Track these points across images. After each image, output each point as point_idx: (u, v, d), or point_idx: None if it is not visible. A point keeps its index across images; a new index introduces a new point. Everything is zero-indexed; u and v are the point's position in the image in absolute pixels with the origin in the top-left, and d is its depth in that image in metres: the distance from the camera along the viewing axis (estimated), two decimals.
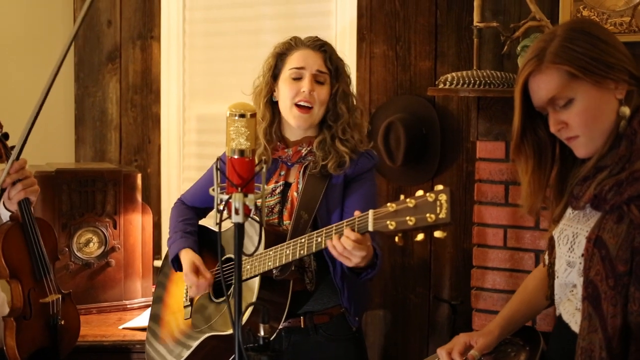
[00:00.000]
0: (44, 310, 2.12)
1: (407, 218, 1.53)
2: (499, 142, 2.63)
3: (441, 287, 2.99)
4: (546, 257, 1.74)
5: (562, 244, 1.65)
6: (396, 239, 1.58)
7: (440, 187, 1.50)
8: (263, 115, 2.10)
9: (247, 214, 1.42)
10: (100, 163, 3.59)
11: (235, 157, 1.44)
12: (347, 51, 3.05)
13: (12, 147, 2.09)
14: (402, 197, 1.57)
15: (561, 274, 1.65)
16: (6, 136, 2.10)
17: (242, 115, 1.43)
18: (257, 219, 1.45)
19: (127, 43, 3.64)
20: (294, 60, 2.07)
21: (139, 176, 3.08)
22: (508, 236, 2.65)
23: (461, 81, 2.50)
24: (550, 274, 1.72)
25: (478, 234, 2.70)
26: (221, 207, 1.43)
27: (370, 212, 1.65)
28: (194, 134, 3.57)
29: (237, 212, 1.41)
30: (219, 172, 1.46)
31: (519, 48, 2.50)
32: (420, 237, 1.54)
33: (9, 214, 2.13)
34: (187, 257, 2.13)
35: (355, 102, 2.13)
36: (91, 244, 2.95)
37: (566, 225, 1.65)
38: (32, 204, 2.10)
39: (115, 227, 2.98)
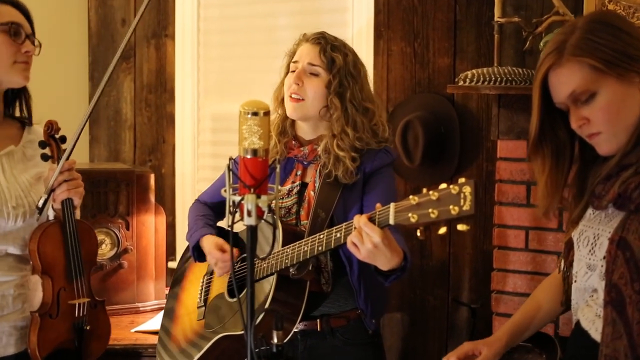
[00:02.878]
0: (71, 311, 2.11)
1: (430, 210, 1.48)
2: (520, 141, 2.60)
3: (460, 290, 2.96)
4: (562, 260, 1.68)
5: (582, 246, 1.58)
6: (418, 232, 1.54)
7: (463, 179, 1.46)
8: (275, 109, 2.11)
9: (259, 216, 1.38)
10: (113, 163, 3.57)
11: (248, 157, 1.40)
12: (364, 48, 3.03)
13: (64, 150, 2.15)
14: (424, 190, 1.52)
15: (580, 277, 1.58)
16: (63, 139, 2.13)
17: (254, 114, 1.39)
18: (271, 221, 1.40)
19: (141, 42, 3.63)
20: (295, 55, 2.08)
21: (152, 176, 3.06)
22: (530, 238, 2.61)
23: (482, 78, 2.47)
24: (566, 278, 1.66)
25: (499, 235, 2.67)
26: (233, 210, 1.39)
27: (392, 204, 1.60)
28: (208, 133, 3.54)
29: (249, 214, 1.37)
30: (231, 173, 1.42)
31: (541, 44, 2.45)
32: (442, 230, 1.49)
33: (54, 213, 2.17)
34: (210, 239, 2.10)
35: (361, 97, 2.05)
36: (103, 246, 2.93)
37: (586, 226, 1.58)
38: (76, 205, 2.12)
39: (127, 229, 2.97)
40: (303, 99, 2.01)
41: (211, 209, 2.25)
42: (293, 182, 2.07)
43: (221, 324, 2.06)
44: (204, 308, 2.16)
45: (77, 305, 2.11)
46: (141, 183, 2.99)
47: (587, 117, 1.49)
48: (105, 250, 2.93)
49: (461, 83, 2.52)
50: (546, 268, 2.58)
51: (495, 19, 2.53)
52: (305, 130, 2.10)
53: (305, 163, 2.08)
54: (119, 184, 2.95)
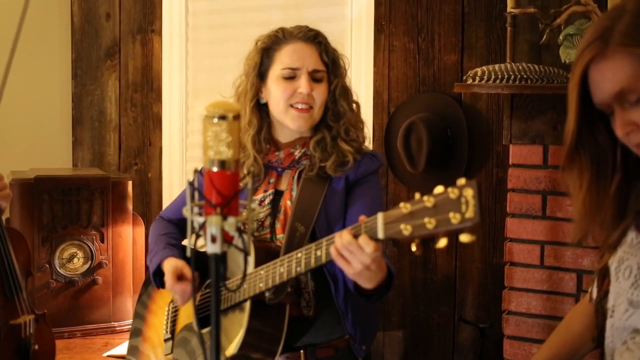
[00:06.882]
0: (14, 333, 1.92)
1: (426, 220, 1.26)
2: (535, 146, 2.42)
3: (467, 307, 2.79)
4: (594, 290, 1.44)
5: (622, 277, 1.34)
6: (413, 246, 1.32)
7: (463, 180, 1.24)
8: (250, 120, 1.90)
9: (228, 241, 1.17)
10: (88, 169, 3.41)
11: (214, 169, 1.18)
12: (364, 44, 2.88)
13: None
14: (417, 195, 1.30)
15: (620, 314, 1.33)
16: None
17: (222, 117, 1.17)
18: (241, 246, 1.17)
19: (126, 37, 3.48)
20: (286, 57, 1.86)
21: (130, 184, 2.87)
22: (545, 253, 2.43)
23: (492, 76, 2.31)
24: (599, 311, 1.41)
25: (510, 250, 2.48)
26: (195, 233, 1.17)
27: (380, 215, 1.38)
28: (197, 135, 3.38)
29: (213, 240, 1.15)
30: (195, 189, 1.20)
31: (560, 37, 2.32)
32: (442, 243, 1.27)
33: None
34: (169, 263, 1.88)
35: (354, 97, 1.94)
36: (75, 260, 2.74)
37: (628, 253, 1.34)
38: (2, 209, 1.93)
39: (102, 241, 2.77)
40: (312, 108, 1.84)
41: (176, 225, 2.03)
42: (265, 191, 1.87)
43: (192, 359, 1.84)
44: (171, 341, 1.94)
45: (22, 324, 1.91)
46: (117, 191, 2.79)
47: (636, 122, 1.23)
48: (78, 264, 2.74)
49: (469, 81, 2.37)
50: (564, 287, 2.39)
51: (508, 10, 2.37)
52: (285, 134, 1.90)
53: (279, 170, 1.89)
54: (92, 192, 2.75)
